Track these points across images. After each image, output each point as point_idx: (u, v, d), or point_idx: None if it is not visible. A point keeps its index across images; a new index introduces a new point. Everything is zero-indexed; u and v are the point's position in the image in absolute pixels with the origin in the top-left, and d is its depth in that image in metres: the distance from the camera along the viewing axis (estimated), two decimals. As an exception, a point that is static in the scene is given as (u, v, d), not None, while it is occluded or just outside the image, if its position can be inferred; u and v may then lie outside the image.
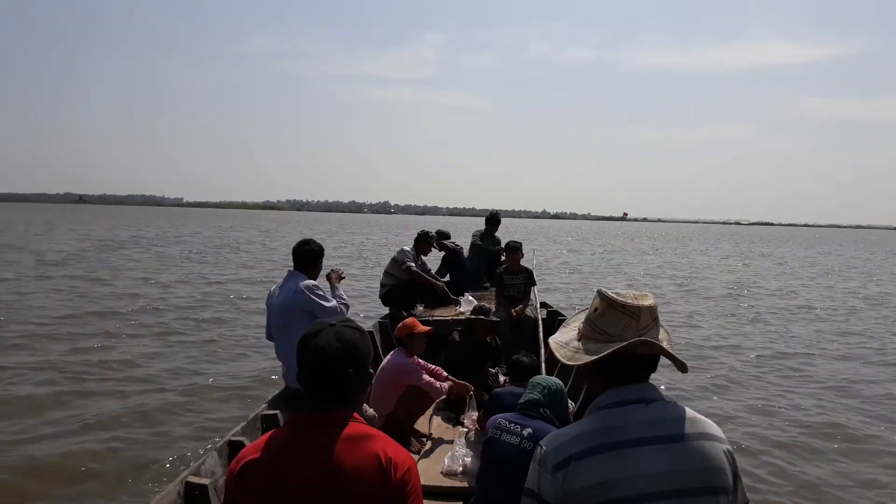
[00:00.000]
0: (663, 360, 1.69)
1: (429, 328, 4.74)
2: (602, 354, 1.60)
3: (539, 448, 1.60)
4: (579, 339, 1.69)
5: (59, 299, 13.59)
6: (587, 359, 1.61)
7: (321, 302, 4.33)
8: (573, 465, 1.51)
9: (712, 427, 1.61)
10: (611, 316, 1.63)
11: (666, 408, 1.59)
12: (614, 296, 1.64)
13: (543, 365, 5.01)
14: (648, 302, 1.64)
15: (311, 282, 4.44)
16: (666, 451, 1.52)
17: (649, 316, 1.63)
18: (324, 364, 1.63)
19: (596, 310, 1.67)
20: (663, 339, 1.67)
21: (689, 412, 1.61)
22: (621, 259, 35.00)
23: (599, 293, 1.68)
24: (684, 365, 1.67)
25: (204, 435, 6.03)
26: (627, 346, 1.58)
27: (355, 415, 1.68)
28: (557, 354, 1.71)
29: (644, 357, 1.62)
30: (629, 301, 1.63)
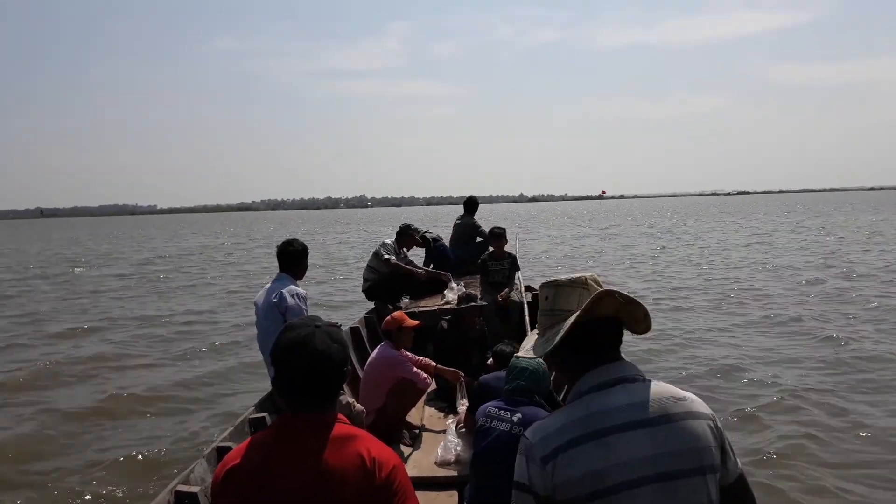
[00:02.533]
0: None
1: (417, 322, 4.73)
2: (572, 319, 1.58)
3: (525, 440, 1.58)
4: (542, 335, 1.68)
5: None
6: (558, 338, 1.59)
7: (294, 306, 4.28)
8: (560, 456, 1.49)
9: (696, 404, 1.58)
10: (562, 295, 1.64)
11: (648, 387, 1.57)
12: (556, 279, 1.68)
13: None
14: (590, 273, 1.68)
15: (297, 289, 4.40)
16: (650, 434, 1.49)
17: (597, 284, 1.64)
18: (326, 366, 1.61)
19: (546, 299, 1.67)
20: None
21: (673, 390, 1.59)
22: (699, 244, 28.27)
23: (542, 285, 1.71)
24: (647, 316, 1.63)
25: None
26: (593, 301, 1.57)
27: (339, 416, 1.66)
28: (528, 355, 1.70)
29: (608, 325, 1.61)
30: (575, 276, 1.66)
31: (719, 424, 1.59)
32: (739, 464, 1.61)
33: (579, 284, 1.64)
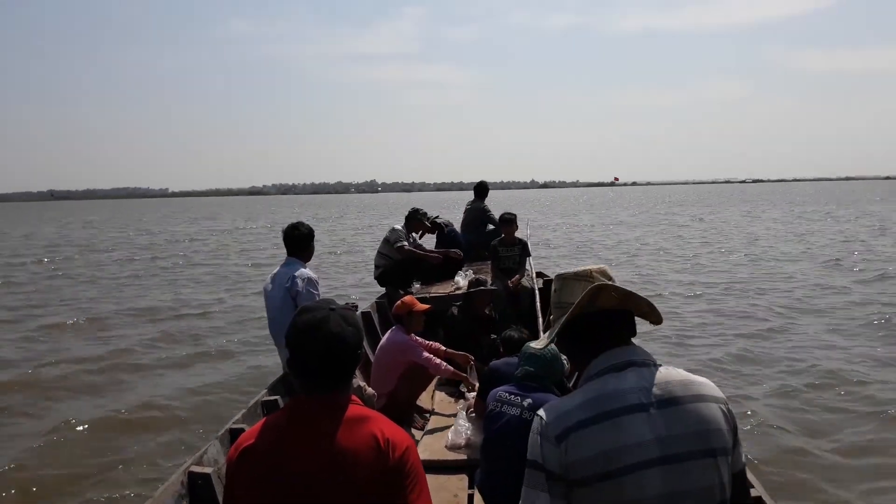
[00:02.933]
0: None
1: (427, 306, 4.74)
2: (569, 312, 1.63)
3: (539, 418, 1.59)
4: (551, 327, 1.73)
5: None
6: (555, 332, 1.66)
7: (306, 291, 4.30)
8: (572, 436, 1.52)
9: (707, 387, 1.59)
10: (567, 287, 1.68)
11: (659, 372, 1.59)
12: (564, 273, 1.72)
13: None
14: (597, 266, 1.69)
15: (308, 272, 4.42)
16: (661, 417, 1.51)
17: (603, 277, 1.66)
18: (341, 349, 1.62)
19: (555, 291, 1.72)
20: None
21: (683, 374, 1.61)
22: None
23: (555, 277, 1.75)
24: (653, 309, 1.64)
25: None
26: (588, 295, 1.60)
27: (353, 397, 1.68)
28: (540, 345, 1.76)
29: (615, 313, 1.62)
30: (579, 270, 1.70)
31: (731, 410, 1.59)
32: (744, 457, 1.62)
33: (583, 277, 1.66)
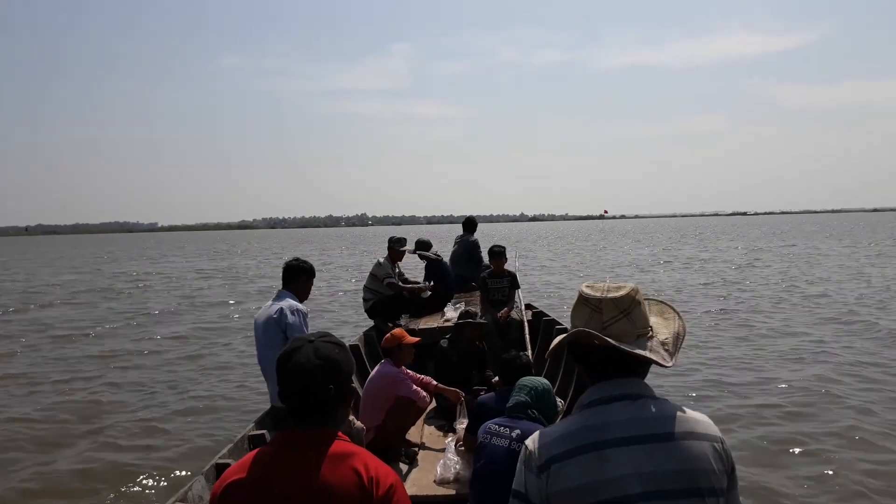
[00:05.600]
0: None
1: (417, 339, 4.72)
2: (554, 343, 1.63)
3: (524, 448, 1.58)
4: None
5: None
6: (547, 353, 1.64)
7: (294, 323, 4.29)
8: (554, 467, 1.49)
9: (702, 425, 1.54)
10: (578, 308, 1.64)
11: (652, 405, 1.54)
12: (584, 288, 1.65)
13: (532, 367, 5.01)
14: (617, 294, 1.60)
15: (297, 304, 4.42)
16: (648, 452, 1.47)
17: (615, 308, 1.58)
18: (304, 382, 1.61)
19: (573, 306, 1.68)
20: (647, 333, 1.61)
21: (679, 409, 1.55)
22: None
23: (581, 289, 1.68)
24: (649, 359, 1.57)
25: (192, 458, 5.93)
26: (570, 335, 1.60)
27: (339, 433, 1.65)
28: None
29: (611, 351, 1.55)
30: (591, 293, 1.62)
31: (727, 449, 1.54)
32: (740, 500, 1.58)
33: (592, 305, 1.60)
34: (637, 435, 1.48)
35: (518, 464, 1.58)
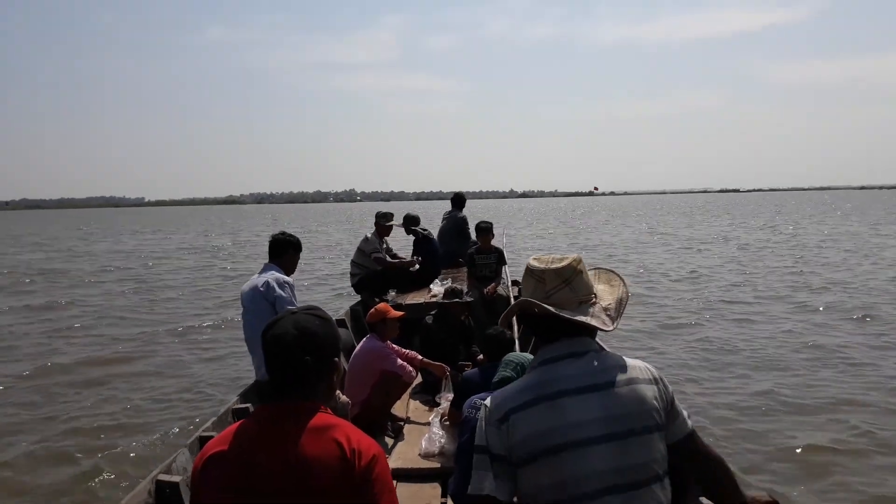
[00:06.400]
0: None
1: (401, 313, 4.72)
2: (504, 313, 1.88)
3: (483, 407, 1.73)
4: None
5: None
6: (499, 320, 1.92)
7: (283, 295, 4.27)
8: (512, 417, 1.64)
9: (642, 370, 1.71)
10: (525, 280, 1.81)
11: (597, 357, 1.70)
12: (531, 260, 1.80)
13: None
14: (559, 265, 1.74)
15: (284, 277, 4.40)
16: (597, 398, 1.63)
17: (557, 278, 1.73)
18: (280, 352, 1.61)
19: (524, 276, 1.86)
20: (590, 300, 1.75)
21: (620, 359, 1.72)
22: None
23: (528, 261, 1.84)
24: (585, 323, 1.71)
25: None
26: (516, 306, 1.81)
27: (322, 406, 1.64)
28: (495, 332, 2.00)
29: (553, 319, 1.70)
30: (536, 265, 1.77)
31: (666, 387, 1.73)
32: (690, 423, 1.74)
33: (536, 276, 1.76)
34: (586, 385, 1.64)
35: (479, 422, 1.72)
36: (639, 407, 1.64)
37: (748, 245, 24.37)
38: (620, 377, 1.67)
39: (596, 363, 1.69)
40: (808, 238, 26.83)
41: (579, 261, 1.77)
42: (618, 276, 1.90)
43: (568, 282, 1.73)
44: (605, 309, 1.77)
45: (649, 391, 1.68)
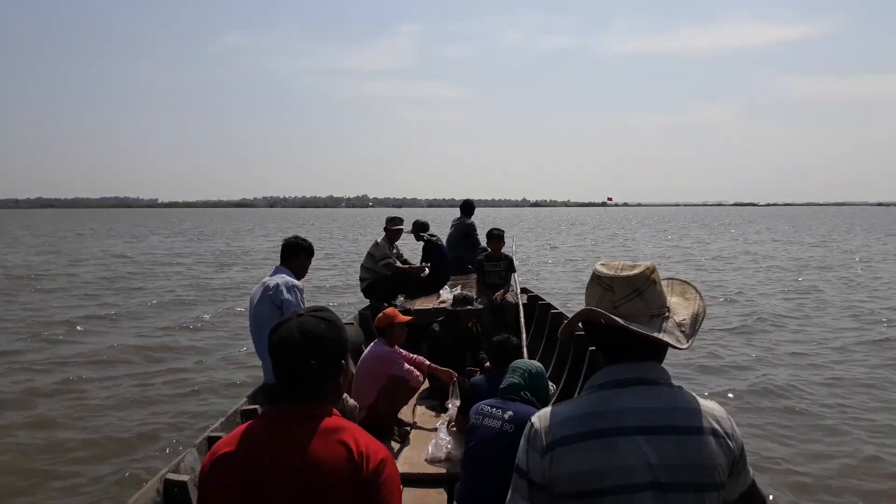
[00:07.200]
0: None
1: (409, 318, 4.73)
2: (566, 322, 1.62)
3: (530, 425, 1.54)
4: None
5: None
6: (559, 330, 1.65)
7: (290, 299, 4.28)
8: (558, 450, 1.46)
9: (717, 419, 1.50)
10: (591, 287, 1.59)
11: (667, 393, 1.50)
12: (598, 266, 1.60)
13: (525, 349, 5.04)
14: (630, 272, 1.55)
15: (293, 280, 4.42)
16: (658, 442, 1.44)
17: (627, 287, 1.54)
18: (285, 356, 1.61)
19: (588, 284, 1.66)
20: (662, 314, 1.57)
21: (691, 401, 1.51)
22: None
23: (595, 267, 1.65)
24: (660, 341, 1.52)
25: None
26: (580, 314, 1.57)
27: (330, 408, 1.63)
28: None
29: (622, 332, 1.51)
30: (604, 272, 1.57)
31: (737, 443, 1.51)
32: (751, 472, 1.57)
33: (604, 284, 1.56)
34: (649, 426, 1.45)
35: (522, 439, 1.56)
36: (698, 461, 1.45)
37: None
38: (691, 423, 1.46)
39: (665, 399, 1.49)
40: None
41: (653, 269, 1.58)
42: (694, 287, 1.69)
43: (640, 292, 1.54)
44: (680, 325, 1.57)
45: (717, 445, 1.47)
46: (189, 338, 10.39)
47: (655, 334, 1.50)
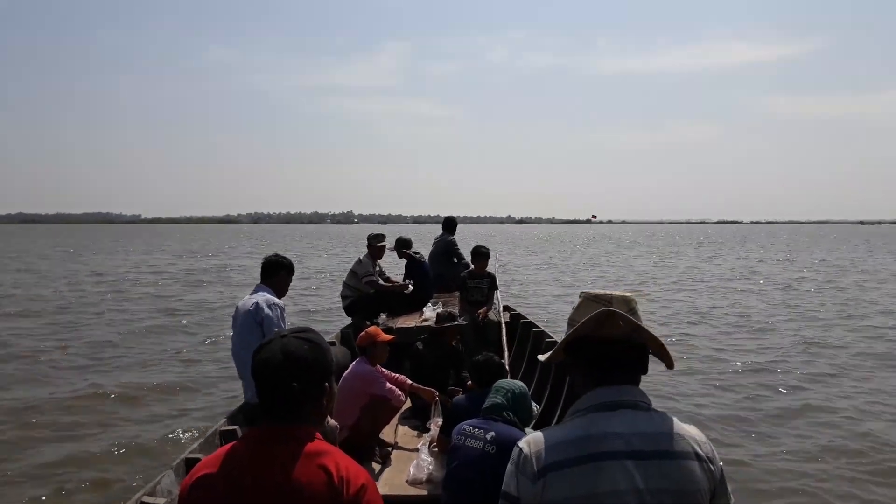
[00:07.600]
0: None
1: (391, 336, 4.70)
2: (568, 334, 1.60)
3: (518, 450, 1.54)
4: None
5: None
6: (553, 349, 1.61)
7: (270, 315, 4.25)
8: (550, 475, 1.47)
9: (696, 444, 1.53)
10: (583, 307, 1.63)
11: (650, 418, 1.53)
12: (589, 293, 1.67)
13: (508, 368, 5.02)
14: (624, 294, 1.62)
15: (274, 299, 4.40)
16: (643, 467, 1.46)
17: (624, 304, 1.59)
18: (267, 377, 1.60)
19: (574, 308, 1.68)
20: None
21: (676, 426, 1.54)
22: None
23: (580, 294, 1.70)
24: (665, 352, 1.60)
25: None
26: (594, 318, 1.54)
27: (312, 430, 1.62)
28: (541, 358, 1.73)
29: (628, 349, 1.56)
30: (600, 291, 1.64)
31: (717, 466, 1.54)
32: (731, 497, 1.58)
33: (602, 301, 1.60)
34: (637, 450, 1.47)
35: (509, 465, 1.55)
36: (687, 487, 1.47)
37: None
38: (673, 448, 1.49)
39: (652, 424, 1.51)
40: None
41: (635, 300, 1.66)
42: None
43: (633, 311, 1.60)
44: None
45: (700, 469, 1.50)
46: (168, 358, 10.25)
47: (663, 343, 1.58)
